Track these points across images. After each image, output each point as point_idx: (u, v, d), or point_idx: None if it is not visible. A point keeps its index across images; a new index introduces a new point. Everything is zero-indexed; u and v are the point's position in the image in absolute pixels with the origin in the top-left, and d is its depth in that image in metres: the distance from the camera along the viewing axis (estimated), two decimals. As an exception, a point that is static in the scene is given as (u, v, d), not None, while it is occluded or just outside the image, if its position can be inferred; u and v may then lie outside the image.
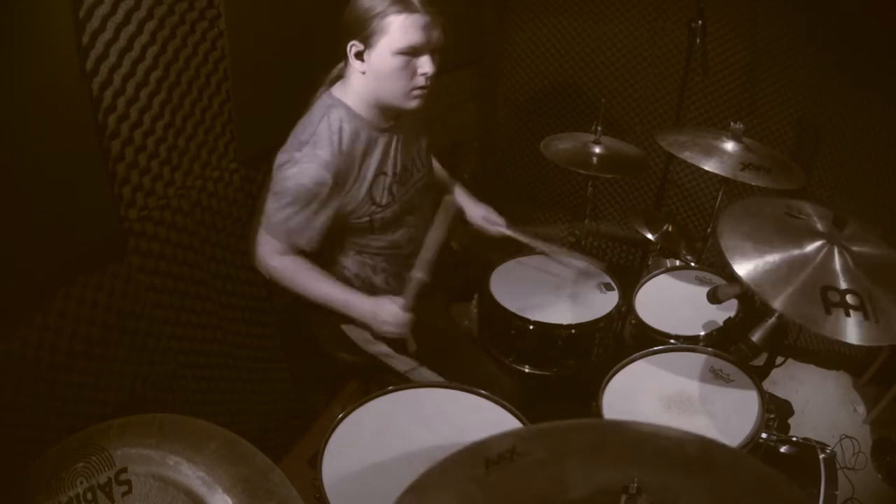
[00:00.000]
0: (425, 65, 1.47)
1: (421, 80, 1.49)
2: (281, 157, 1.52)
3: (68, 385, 1.33)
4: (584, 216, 2.62)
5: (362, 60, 1.45)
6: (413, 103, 1.53)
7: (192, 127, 1.52)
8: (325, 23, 1.53)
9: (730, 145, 1.97)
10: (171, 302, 1.57)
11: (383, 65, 1.43)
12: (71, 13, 1.17)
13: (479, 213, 1.98)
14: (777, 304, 1.27)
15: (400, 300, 1.59)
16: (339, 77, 1.58)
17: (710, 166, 1.88)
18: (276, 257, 1.58)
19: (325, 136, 1.49)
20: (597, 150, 2.30)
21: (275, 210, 1.52)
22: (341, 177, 1.52)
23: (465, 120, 3.01)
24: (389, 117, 1.59)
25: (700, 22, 2.19)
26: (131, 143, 1.37)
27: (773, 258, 1.37)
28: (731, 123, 1.98)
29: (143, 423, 1.01)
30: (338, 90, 1.56)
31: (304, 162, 1.48)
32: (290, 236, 1.54)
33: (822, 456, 1.46)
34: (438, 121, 2.70)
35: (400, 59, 1.42)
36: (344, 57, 1.52)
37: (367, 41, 1.42)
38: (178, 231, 1.55)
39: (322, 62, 1.61)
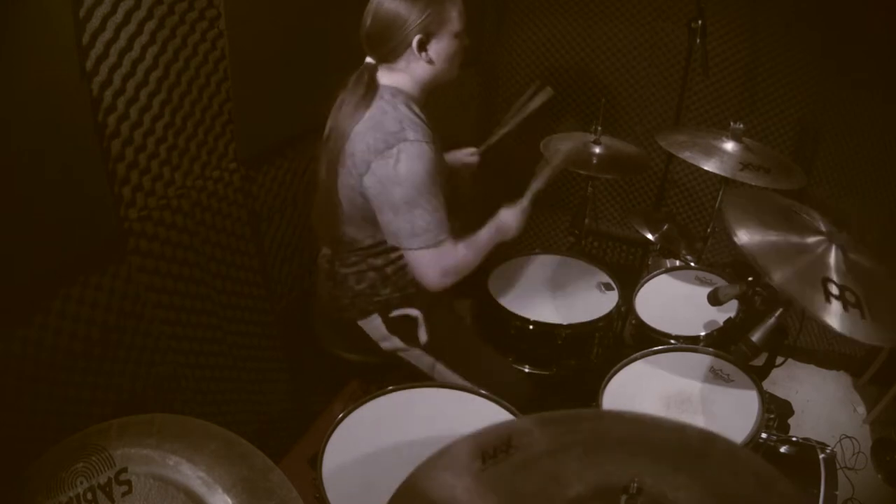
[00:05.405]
0: (465, 37, 1.59)
1: (462, 52, 1.61)
2: (376, 166, 1.44)
3: (68, 385, 1.33)
4: (583, 216, 2.62)
5: (426, 52, 1.52)
6: (457, 73, 1.63)
7: (192, 127, 1.52)
8: (324, 23, 1.53)
9: (730, 145, 1.97)
10: (171, 302, 1.57)
11: (449, 49, 1.55)
12: (71, 13, 1.17)
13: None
14: (778, 277, 1.27)
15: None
16: (371, 79, 1.53)
17: (709, 166, 1.88)
18: (441, 265, 1.53)
19: (410, 119, 1.49)
20: (597, 150, 2.30)
21: (410, 226, 1.47)
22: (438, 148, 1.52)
23: (465, 120, 3.00)
24: (428, 96, 1.65)
25: (700, 22, 2.19)
26: (131, 143, 1.37)
27: (776, 237, 1.37)
28: (731, 123, 1.98)
29: (143, 423, 1.00)
30: (387, 80, 1.54)
31: (406, 151, 1.43)
32: (437, 236, 1.49)
33: (822, 456, 1.47)
34: (438, 121, 2.70)
35: (458, 40, 1.56)
36: (385, 57, 1.52)
37: (431, 33, 1.50)
38: (178, 231, 1.55)
39: (322, 62, 1.61)
